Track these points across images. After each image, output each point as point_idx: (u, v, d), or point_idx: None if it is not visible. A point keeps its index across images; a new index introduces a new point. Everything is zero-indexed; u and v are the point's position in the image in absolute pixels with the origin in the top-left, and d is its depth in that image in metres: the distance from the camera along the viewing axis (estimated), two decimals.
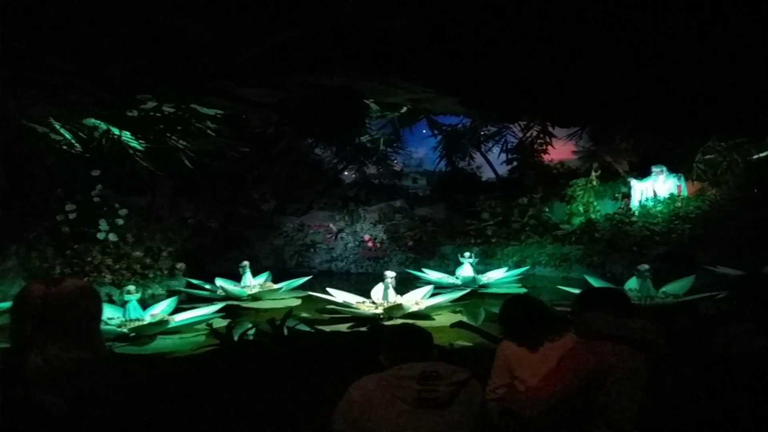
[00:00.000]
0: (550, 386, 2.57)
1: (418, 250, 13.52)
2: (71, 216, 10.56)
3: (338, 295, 8.97)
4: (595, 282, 9.08)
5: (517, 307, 3.06)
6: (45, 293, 1.96)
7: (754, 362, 2.69)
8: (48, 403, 1.82)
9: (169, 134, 10.40)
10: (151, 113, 9.69)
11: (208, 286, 10.07)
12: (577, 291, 8.63)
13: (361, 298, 8.91)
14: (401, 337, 2.57)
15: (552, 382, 2.58)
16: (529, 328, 2.89)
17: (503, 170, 17.29)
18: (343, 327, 7.92)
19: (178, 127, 10.37)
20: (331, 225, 14.29)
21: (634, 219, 12.30)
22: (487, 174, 17.96)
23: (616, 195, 13.67)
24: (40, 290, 1.97)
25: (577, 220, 13.20)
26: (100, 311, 2.13)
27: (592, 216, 13.17)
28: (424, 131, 17.75)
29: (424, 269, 11.70)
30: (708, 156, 12.40)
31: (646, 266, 8.64)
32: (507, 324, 3.02)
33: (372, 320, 8.12)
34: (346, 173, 18.34)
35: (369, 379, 2.37)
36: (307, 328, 6.33)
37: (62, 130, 9.61)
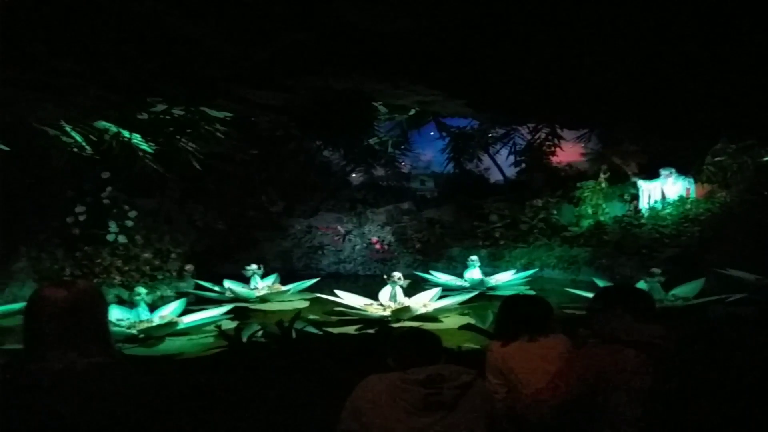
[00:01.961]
0: (556, 389, 2.56)
1: (425, 252, 13.51)
2: (81, 218, 10.65)
3: (346, 297, 8.97)
4: (603, 285, 9.02)
5: (507, 306, 3.09)
6: (65, 296, 1.95)
7: None
8: (62, 408, 1.81)
9: (178, 137, 10.46)
10: (161, 116, 9.75)
11: (216, 288, 10.11)
12: (585, 293, 8.66)
13: (369, 300, 8.92)
14: (410, 341, 2.56)
15: (559, 385, 2.57)
16: (515, 328, 2.91)
17: (511, 172, 17.26)
18: (351, 329, 7.93)
19: (188, 130, 10.43)
20: (339, 227, 14.30)
21: (643, 221, 12.24)
22: (495, 176, 17.92)
23: (625, 197, 13.60)
24: (60, 293, 1.95)
25: (586, 223, 13.14)
26: (107, 314, 2.14)
27: (601, 218, 13.11)
28: (432, 133, 17.75)
29: (431, 271, 11.69)
30: (718, 158, 12.32)
31: (658, 270, 8.61)
32: (498, 321, 3.06)
33: (380, 322, 8.12)
34: (354, 175, 18.36)
35: (377, 380, 2.38)
36: (315, 331, 6.34)
37: (73, 133, 9.67)
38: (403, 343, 2.57)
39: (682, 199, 12.36)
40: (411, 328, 2.84)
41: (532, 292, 10.20)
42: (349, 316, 8.52)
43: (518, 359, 2.80)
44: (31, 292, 2.03)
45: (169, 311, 8.24)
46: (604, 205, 13.47)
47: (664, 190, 12.66)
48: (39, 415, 1.81)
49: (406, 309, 8.33)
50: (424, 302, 8.78)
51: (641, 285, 8.58)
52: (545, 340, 2.84)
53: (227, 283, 10.06)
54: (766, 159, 11.51)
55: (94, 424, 1.83)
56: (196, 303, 9.50)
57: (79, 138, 9.81)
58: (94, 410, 1.84)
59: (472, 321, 8.26)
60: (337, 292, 9.16)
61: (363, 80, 7.34)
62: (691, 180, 12.62)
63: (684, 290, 8.61)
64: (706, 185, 12.62)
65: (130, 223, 11.01)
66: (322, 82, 7.31)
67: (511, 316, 2.97)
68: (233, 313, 8.61)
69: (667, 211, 12.24)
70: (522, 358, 2.79)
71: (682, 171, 12.71)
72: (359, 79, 7.25)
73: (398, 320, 8.18)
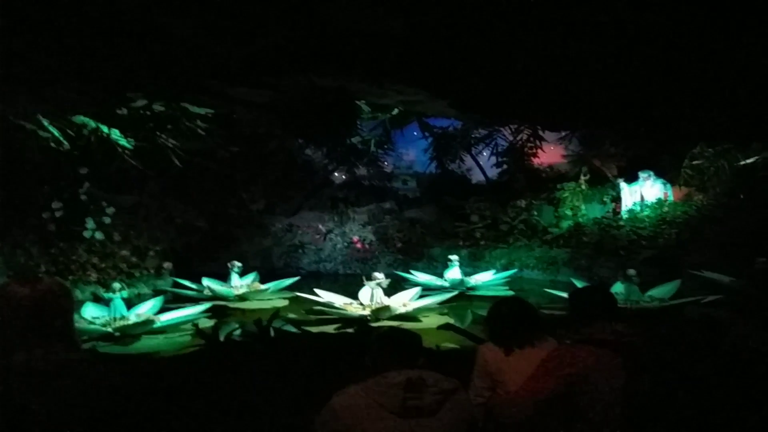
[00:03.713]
0: (531, 391, 2.58)
1: (406, 251, 13.53)
2: (57, 214, 10.48)
3: (326, 296, 8.95)
4: (581, 285, 9.09)
5: (507, 309, 3.02)
6: (29, 294, 1.94)
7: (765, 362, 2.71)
8: (32, 404, 1.80)
9: (158, 133, 10.36)
10: (142, 111, 9.65)
11: (194, 286, 10.02)
12: (564, 294, 8.73)
13: (348, 300, 8.90)
14: (389, 342, 2.50)
15: (533, 386, 2.58)
16: (515, 332, 2.88)
17: (493, 173, 17.35)
18: (330, 328, 7.91)
19: (169, 126, 10.34)
20: (320, 226, 14.26)
21: (621, 223, 12.39)
22: (476, 177, 18.00)
23: (604, 199, 13.76)
24: (24, 291, 1.95)
25: (566, 224, 13.26)
26: (73, 311, 2.13)
27: (581, 220, 13.24)
28: (415, 133, 17.79)
29: (412, 271, 11.71)
30: (695, 162, 12.52)
31: (633, 271, 8.72)
32: (494, 326, 2.99)
33: (359, 322, 8.11)
34: (336, 174, 18.32)
35: (353, 388, 2.31)
36: (293, 329, 6.31)
37: (51, 128, 9.54)
38: (381, 342, 2.50)
39: (659, 202, 12.53)
40: (391, 327, 2.78)
41: (512, 293, 10.28)
42: (328, 315, 8.50)
43: (513, 366, 2.78)
44: None
45: (146, 309, 8.15)
46: (583, 207, 13.60)
47: (642, 192, 12.83)
48: (7, 410, 1.79)
49: (386, 308, 8.34)
50: (403, 302, 8.79)
51: (618, 286, 8.70)
52: (539, 345, 2.81)
53: (206, 281, 9.97)
54: (742, 163, 11.71)
55: (62, 420, 1.82)
56: (174, 301, 9.40)
57: (56, 133, 9.69)
58: (62, 406, 1.83)
59: (452, 321, 8.31)
60: (316, 291, 9.13)
61: (347, 79, 7.34)
62: (668, 184, 12.78)
63: (660, 291, 8.72)
64: (683, 188, 12.80)
65: (107, 220, 10.87)
66: (306, 81, 7.29)
67: (508, 322, 2.91)
68: (211, 312, 8.54)
69: (645, 213, 12.40)
70: (516, 365, 2.77)
71: (660, 174, 12.88)
72: (343, 77, 7.24)
73: (378, 320, 8.18)
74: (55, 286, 2.05)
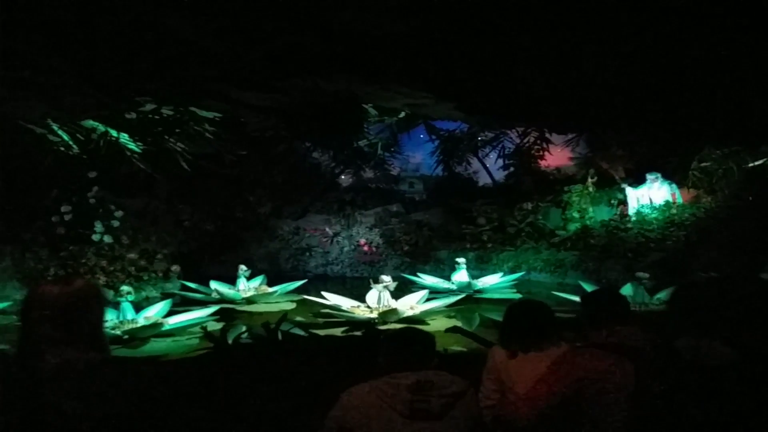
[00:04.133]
0: (540, 394, 2.57)
1: (413, 254, 13.52)
2: (67, 217, 10.54)
3: (333, 299, 8.96)
4: (589, 288, 9.07)
5: (522, 311, 2.98)
6: (62, 294, 1.95)
7: (731, 375, 2.66)
8: (63, 404, 1.81)
9: (167, 136, 10.41)
10: (150, 115, 9.70)
11: (202, 289, 10.05)
12: (571, 297, 8.71)
13: (356, 303, 8.91)
14: (402, 341, 2.48)
15: (542, 390, 2.57)
16: (528, 335, 2.84)
17: (500, 176, 17.32)
18: (337, 331, 7.90)
19: (177, 130, 10.39)
20: (327, 229, 14.28)
21: (629, 225, 12.34)
22: (483, 179, 17.99)
23: (612, 201, 13.70)
24: (56, 291, 1.96)
25: (573, 226, 13.21)
26: (104, 311, 2.14)
27: (588, 222, 13.19)
28: (421, 136, 17.77)
29: (419, 274, 11.70)
30: (704, 163, 12.46)
31: (645, 274, 8.67)
32: (509, 328, 2.94)
33: (367, 325, 8.11)
34: (343, 177, 18.35)
35: (362, 387, 2.30)
36: (301, 332, 6.32)
37: (60, 132, 9.60)
38: (395, 342, 2.49)
39: (668, 204, 12.46)
40: (406, 327, 2.74)
41: (519, 296, 10.25)
42: (335, 318, 8.51)
43: (523, 369, 2.75)
44: (13, 292, 2.04)
45: (154, 312, 8.17)
46: (590, 209, 13.55)
47: (650, 194, 12.77)
48: (39, 410, 1.81)
49: (393, 311, 8.34)
50: (411, 304, 8.78)
51: (627, 288, 8.66)
52: (551, 349, 2.77)
53: (213, 284, 10.00)
54: (750, 165, 11.65)
55: (92, 420, 1.83)
56: (182, 304, 9.43)
57: (66, 137, 9.75)
58: (93, 406, 1.84)
59: (459, 323, 8.27)
60: (324, 293, 9.14)
61: (353, 82, 7.37)
62: (674, 185, 12.71)
63: (669, 294, 8.67)
64: (692, 190, 12.74)
65: (116, 223, 10.92)
66: (313, 84, 7.32)
67: (521, 325, 2.87)
68: (219, 315, 8.56)
69: (653, 215, 12.34)
70: (526, 368, 2.73)
71: (668, 176, 12.82)
72: (350, 81, 7.27)
73: (385, 322, 8.18)
74: (87, 286, 2.06)
